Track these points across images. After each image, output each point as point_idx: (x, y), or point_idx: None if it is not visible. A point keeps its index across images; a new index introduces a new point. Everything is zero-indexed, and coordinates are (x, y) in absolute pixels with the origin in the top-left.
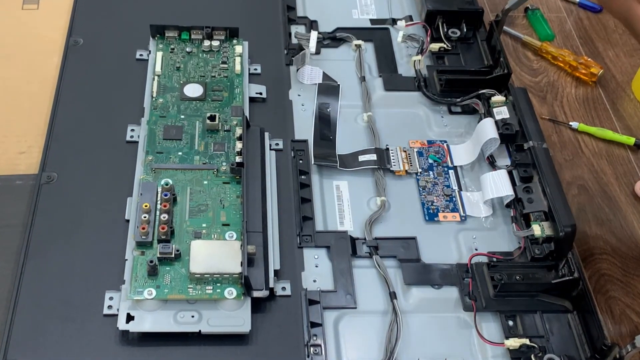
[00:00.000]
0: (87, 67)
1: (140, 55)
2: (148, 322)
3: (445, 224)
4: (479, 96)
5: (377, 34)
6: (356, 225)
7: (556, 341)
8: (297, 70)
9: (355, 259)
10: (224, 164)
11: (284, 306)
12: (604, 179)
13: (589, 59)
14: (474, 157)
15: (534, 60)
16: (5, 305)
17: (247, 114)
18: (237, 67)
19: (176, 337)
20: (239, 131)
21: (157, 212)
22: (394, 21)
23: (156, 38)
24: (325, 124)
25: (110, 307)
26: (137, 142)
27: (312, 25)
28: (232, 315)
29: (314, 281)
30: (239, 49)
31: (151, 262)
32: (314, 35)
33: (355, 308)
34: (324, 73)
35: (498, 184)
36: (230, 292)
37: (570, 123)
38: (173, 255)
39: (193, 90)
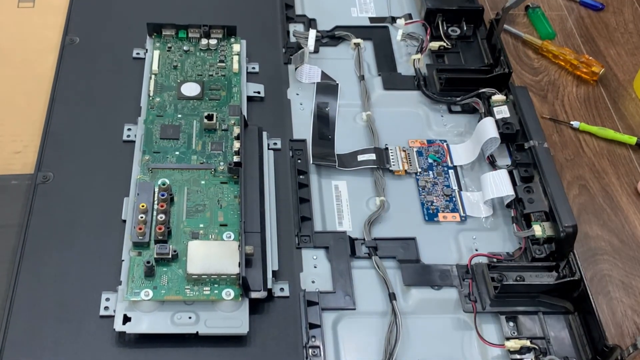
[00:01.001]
0: (83, 65)
1: (137, 53)
2: (145, 323)
3: (445, 224)
4: (479, 95)
5: (377, 32)
6: (355, 225)
7: (557, 343)
8: (296, 69)
9: (354, 259)
10: (222, 163)
11: (282, 307)
12: (606, 179)
13: (590, 58)
14: (474, 157)
15: (535, 59)
16: (0, 306)
17: (245, 113)
18: (235, 66)
19: (173, 339)
20: (236, 130)
21: (154, 213)
22: (393, 19)
23: (153, 36)
24: (323, 123)
25: (106, 308)
26: (134, 141)
27: (310, 23)
28: (229, 317)
29: (313, 282)
30: (236, 47)
31: (148, 262)
32: (312, 33)
33: (354, 309)
34: (322, 72)
35: (498, 183)
36: (228, 293)
37: (572, 122)
38: (170, 256)
39: (190, 89)
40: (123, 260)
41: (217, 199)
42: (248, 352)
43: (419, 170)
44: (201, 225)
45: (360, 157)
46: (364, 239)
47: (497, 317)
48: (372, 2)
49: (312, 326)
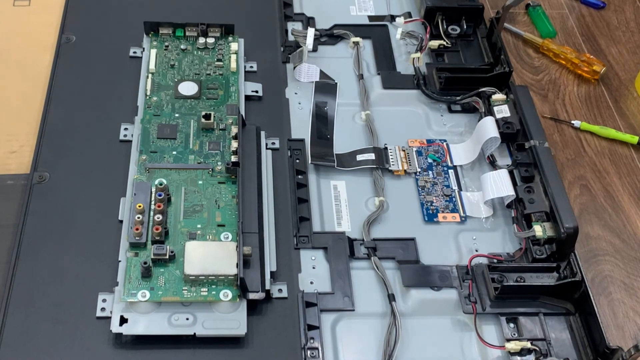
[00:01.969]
0: (79, 64)
1: (134, 52)
2: (142, 324)
3: (445, 224)
4: (479, 94)
5: (376, 30)
6: (354, 226)
7: (558, 344)
8: (294, 68)
9: (353, 260)
10: (219, 163)
11: (280, 308)
12: (607, 179)
13: (592, 57)
14: (474, 157)
15: (535, 58)
16: None
17: (242, 112)
18: (233, 65)
19: (170, 340)
20: (234, 130)
21: (151, 213)
22: (392, 18)
23: (150, 35)
24: (322, 123)
25: (103, 309)
26: (131, 141)
27: (309, 22)
28: (227, 318)
29: (311, 283)
30: (234, 46)
31: (145, 263)
32: (311, 32)
33: (353, 310)
34: (321, 71)
35: (499, 183)
36: (226, 294)
37: (573, 122)
38: (167, 257)
39: (188, 88)
40: (120, 261)
41: (214, 199)
42: (246, 354)
43: (419, 170)
44: (199, 226)
45: (359, 157)
46: (363, 240)
47: (497, 319)
48: (371, 0)
49: (311, 327)
